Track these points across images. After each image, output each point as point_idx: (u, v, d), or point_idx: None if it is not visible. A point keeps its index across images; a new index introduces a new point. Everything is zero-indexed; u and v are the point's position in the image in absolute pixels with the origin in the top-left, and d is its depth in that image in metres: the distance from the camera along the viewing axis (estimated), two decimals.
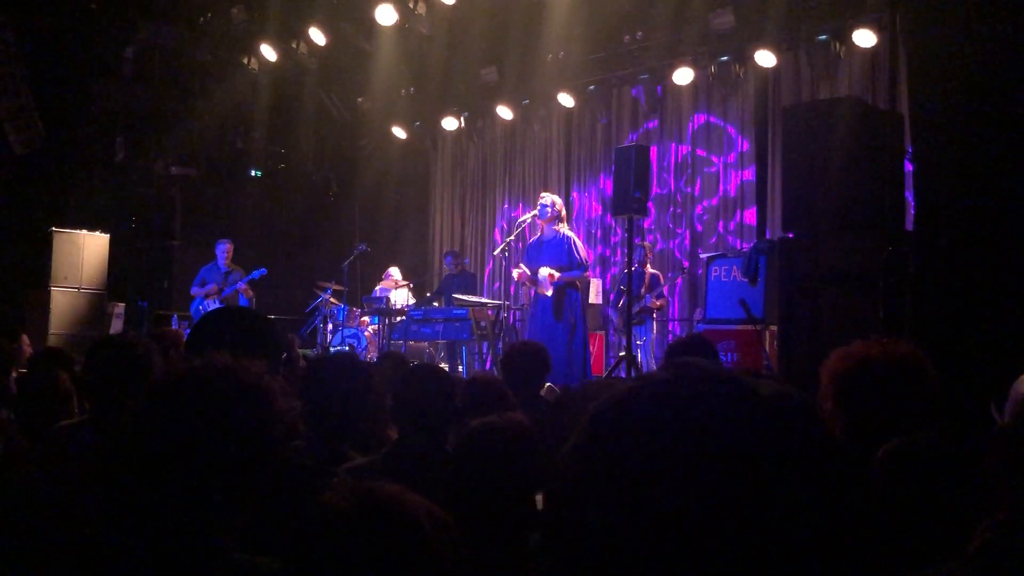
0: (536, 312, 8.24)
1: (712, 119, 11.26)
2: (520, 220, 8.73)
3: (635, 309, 8.79)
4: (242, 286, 10.51)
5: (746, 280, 8.00)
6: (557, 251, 8.06)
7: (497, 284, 12.53)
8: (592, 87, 11.54)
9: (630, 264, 8.14)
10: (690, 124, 11.44)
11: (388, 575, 1.15)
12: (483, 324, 8.90)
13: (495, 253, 9.64)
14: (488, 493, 1.94)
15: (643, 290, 9.68)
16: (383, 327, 10.26)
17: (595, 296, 10.85)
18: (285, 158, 13.90)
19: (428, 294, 11.67)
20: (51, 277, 10.42)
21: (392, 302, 10.69)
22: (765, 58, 9.85)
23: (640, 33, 10.62)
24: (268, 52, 11.77)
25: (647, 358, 9.62)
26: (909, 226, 5.97)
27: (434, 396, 2.85)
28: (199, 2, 11.69)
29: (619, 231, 11.70)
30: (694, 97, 11.30)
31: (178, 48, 12.08)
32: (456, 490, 2.01)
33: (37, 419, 3.02)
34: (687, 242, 11.36)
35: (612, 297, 10.41)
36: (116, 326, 10.94)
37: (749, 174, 10.83)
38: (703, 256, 9.75)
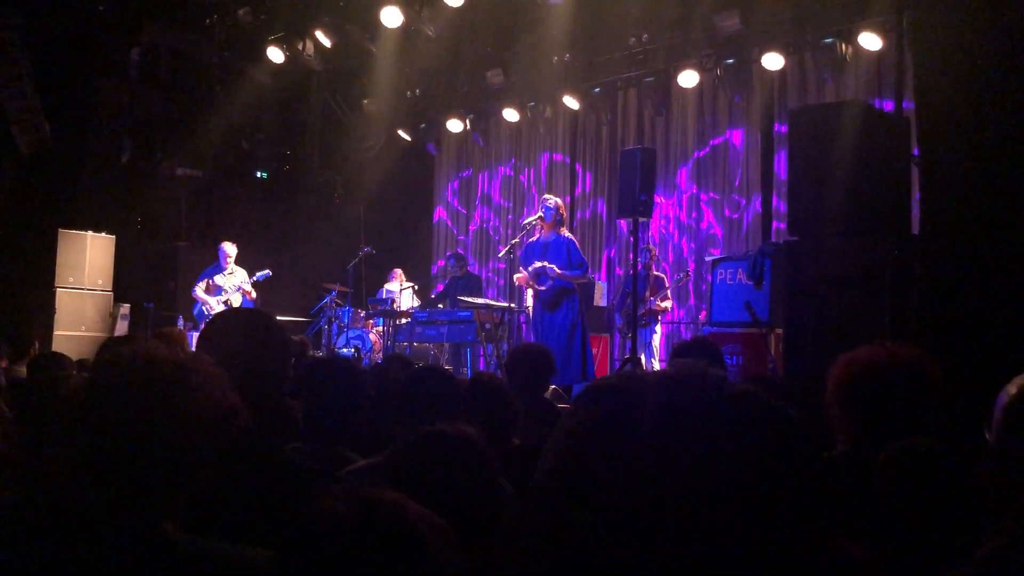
0: (538, 314, 8.26)
1: (717, 121, 11.25)
2: (525, 222, 8.72)
3: (640, 311, 8.78)
4: (245, 288, 10.52)
5: (751, 283, 7.99)
6: (557, 253, 8.09)
7: (502, 284, 12.52)
8: (597, 89, 11.54)
9: (635, 266, 8.13)
10: (696, 126, 11.43)
11: None
12: (488, 326, 8.89)
13: (500, 255, 9.64)
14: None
15: (648, 293, 9.67)
16: (388, 329, 10.27)
17: (600, 299, 10.84)
18: (291, 160, 13.92)
19: (432, 296, 11.68)
20: (57, 278, 10.45)
21: (397, 304, 10.70)
22: (771, 60, 9.85)
23: (646, 35, 10.62)
24: (274, 54, 11.79)
25: (652, 360, 9.61)
26: (915, 229, 5.96)
27: (438, 397, 2.86)
28: (206, 4, 11.71)
29: (624, 233, 11.70)
30: (700, 99, 11.29)
31: (185, 50, 12.11)
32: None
33: (38, 421, 3.02)
34: (692, 245, 11.35)
35: (617, 300, 10.40)
36: (121, 327, 10.97)
37: (755, 177, 10.82)
38: (708, 259, 9.74)
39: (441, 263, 13.58)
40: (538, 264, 8.00)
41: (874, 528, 1.98)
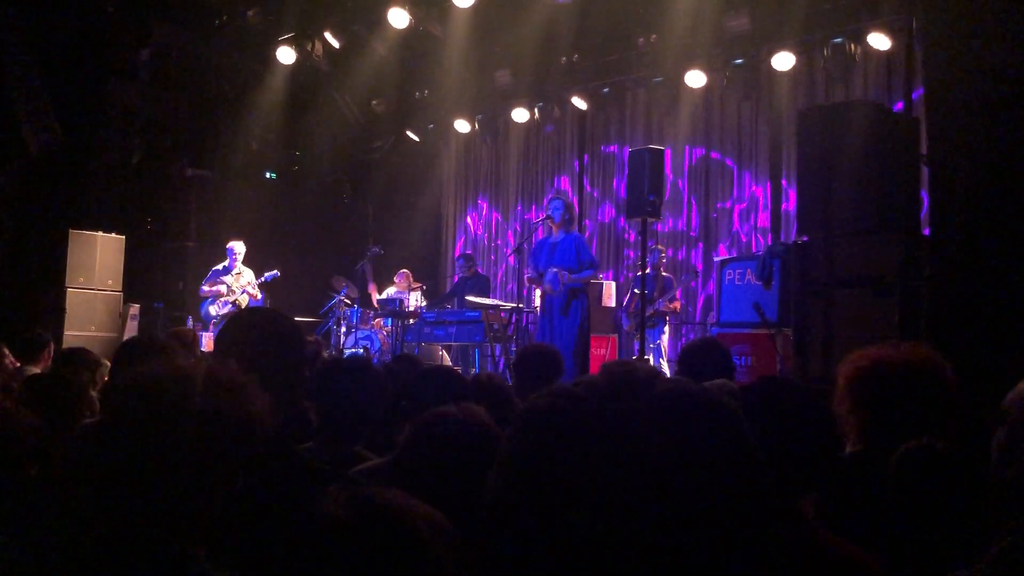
0: (546, 315, 8.26)
1: (726, 122, 11.23)
2: (534, 223, 8.74)
3: (648, 312, 8.78)
4: (250, 289, 10.54)
5: (760, 283, 7.97)
6: (566, 252, 8.09)
7: (511, 285, 12.53)
8: (606, 90, 11.55)
9: (644, 267, 8.13)
10: (704, 127, 11.42)
11: None
12: (496, 327, 8.90)
13: (508, 255, 9.65)
14: (433, 486, 1.87)
15: (656, 293, 9.67)
16: (396, 329, 10.28)
17: (608, 299, 10.84)
18: (300, 160, 13.94)
19: (440, 296, 11.70)
20: (67, 278, 10.48)
21: (405, 304, 10.71)
22: (780, 61, 9.83)
23: (654, 36, 10.61)
24: (283, 55, 11.82)
25: (660, 361, 9.60)
26: (924, 229, 5.95)
27: (447, 397, 2.86)
28: (215, 5, 11.74)
29: (632, 234, 11.69)
30: (708, 100, 11.28)
31: (194, 50, 12.14)
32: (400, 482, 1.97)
33: (61, 418, 3.04)
34: (701, 245, 11.34)
35: (625, 301, 10.40)
36: (131, 327, 11.00)
37: (763, 177, 10.81)
38: (717, 259, 9.73)
39: (449, 263, 13.59)
40: (552, 271, 8.00)
41: (884, 527, 1.99)
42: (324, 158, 13.92)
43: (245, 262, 10.85)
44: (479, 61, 11.62)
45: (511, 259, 9.13)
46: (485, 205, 13.79)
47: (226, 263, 10.75)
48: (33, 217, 10.73)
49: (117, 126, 11.77)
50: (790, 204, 10.15)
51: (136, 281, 11.41)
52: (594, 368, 8.99)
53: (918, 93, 5.71)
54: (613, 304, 10.82)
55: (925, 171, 6.00)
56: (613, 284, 11.23)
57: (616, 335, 10.41)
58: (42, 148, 10.15)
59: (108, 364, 4.13)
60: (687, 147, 11.56)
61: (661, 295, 9.79)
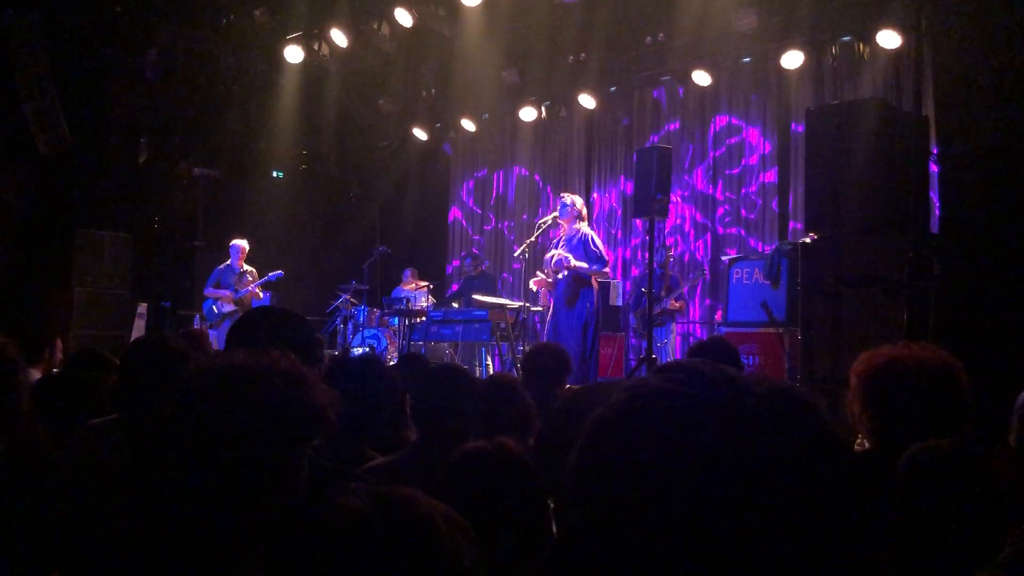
0: (554, 313, 8.25)
1: (734, 120, 11.21)
2: (541, 221, 8.72)
3: (655, 311, 8.76)
4: (254, 289, 10.53)
5: (768, 282, 7.96)
6: (574, 249, 8.07)
7: (517, 285, 12.52)
8: (613, 88, 11.53)
9: (651, 266, 8.11)
10: (712, 125, 11.40)
11: None
12: (503, 325, 8.89)
13: (515, 254, 9.65)
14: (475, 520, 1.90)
15: (662, 292, 9.65)
16: (403, 328, 10.28)
17: (615, 298, 10.83)
18: (307, 159, 13.96)
19: (447, 295, 11.70)
20: (74, 277, 10.50)
21: (412, 303, 10.72)
22: (788, 59, 9.80)
23: (662, 34, 10.58)
24: (290, 54, 11.83)
25: (667, 360, 9.58)
26: (934, 228, 5.92)
27: (455, 396, 2.85)
28: (222, 4, 11.75)
29: (640, 233, 11.68)
30: (716, 98, 11.26)
31: (201, 50, 12.15)
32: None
33: (72, 419, 3.04)
34: (708, 244, 11.32)
35: (632, 300, 10.39)
36: (139, 326, 11.02)
37: (771, 176, 10.79)
38: (725, 258, 9.71)
39: (456, 263, 13.59)
40: (556, 254, 7.99)
41: (897, 528, 1.97)
42: (331, 157, 13.94)
43: (251, 261, 10.85)
44: (486, 60, 11.60)
45: (517, 257, 9.12)
46: (492, 204, 13.78)
47: (229, 262, 10.74)
48: (41, 216, 10.76)
49: (124, 126, 11.80)
50: (798, 203, 10.12)
51: (143, 280, 11.43)
52: (601, 370, 8.98)
53: (927, 92, 5.68)
54: (620, 303, 10.81)
55: (934, 170, 5.97)
56: (620, 283, 11.22)
57: (624, 334, 10.40)
58: (50, 148, 10.18)
59: (113, 361, 4.13)
60: (694, 146, 11.54)
61: (668, 294, 9.77)
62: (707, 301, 11.20)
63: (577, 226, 8.19)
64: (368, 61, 12.20)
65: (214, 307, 10.59)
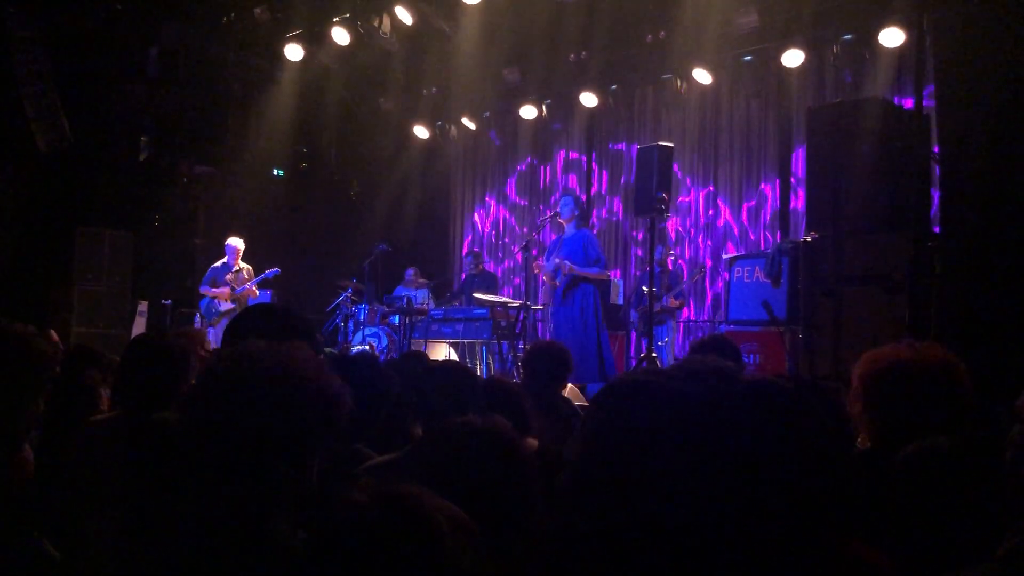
0: (556, 312, 8.25)
1: (736, 118, 11.20)
2: (542, 220, 8.73)
3: (656, 307, 8.76)
4: (251, 286, 10.53)
5: (769, 281, 7.95)
6: (573, 248, 8.07)
7: (517, 280, 12.52)
8: (614, 87, 11.52)
9: (651, 264, 8.11)
10: (713, 123, 11.39)
11: (408, 575, 1.16)
12: (503, 324, 8.89)
13: (516, 253, 9.65)
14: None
15: (662, 290, 9.65)
16: (404, 326, 10.28)
17: (616, 297, 10.83)
18: (307, 158, 13.96)
19: (448, 294, 11.70)
20: (75, 275, 10.51)
21: (413, 301, 10.72)
22: (790, 58, 9.79)
23: (663, 32, 10.57)
24: (291, 52, 11.82)
25: (668, 359, 9.58)
26: (935, 227, 5.92)
27: (458, 393, 2.85)
28: (223, 2, 11.75)
29: (641, 231, 11.67)
30: (717, 96, 11.25)
31: (202, 48, 12.15)
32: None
33: (69, 415, 3.05)
34: (709, 243, 11.31)
35: (633, 298, 10.38)
36: (139, 324, 11.02)
37: (772, 174, 10.78)
38: (725, 257, 9.71)
39: (457, 261, 13.59)
40: (556, 261, 8.00)
41: (894, 526, 1.97)
42: (332, 155, 13.93)
43: (251, 259, 10.84)
44: (487, 58, 11.59)
45: (519, 256, 9.12)
46: (493, 202, 13.78)
47: (225, 260, 10.74)
48: (42, 214, 10.77)
49: (125, 124, 11.80)
50: (799, 201, 10.12)
51: (144, 278, 11.44)
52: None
53: (929, 90, 5.67)
54: (621, 302, 10.81)
55: (935, 169, 5.97)
56: (620, 282, 11.22)
57: (624, 332, 10.40)
58: (51, 146, 10.18)
59: (112, 359, 4.13)
60: (696, 144, 11.53)
61: (668, 291, 9.77)
62: (708, 300, 11.20)
63: (577, 225, 8.19)
64: (369, 59, 12.20)
65: (212, 305, 10.58)
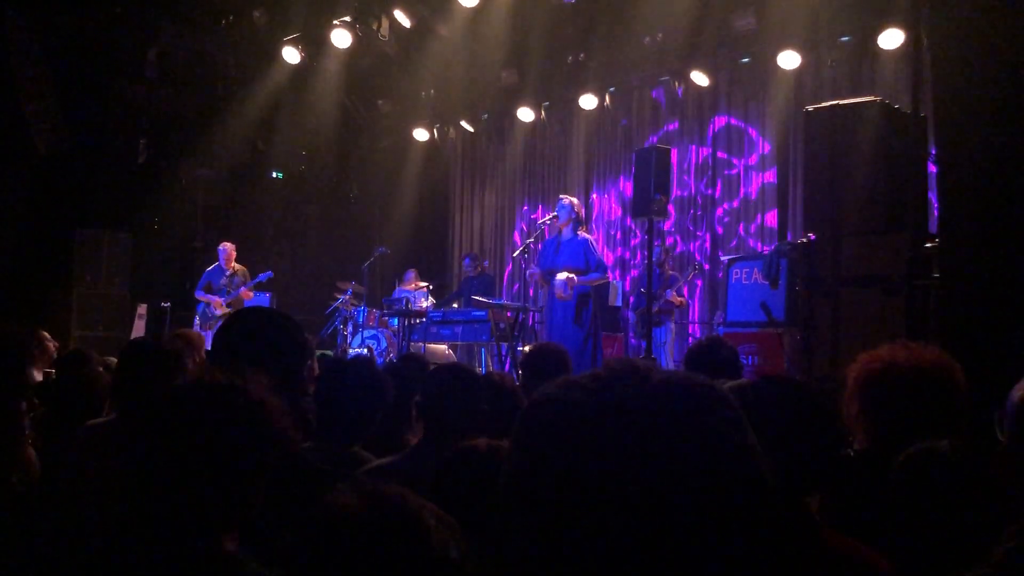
0: (551, 314, 8.24)
1: (733, 121, 11.21)
2: (540, 222, 8.72)
3: (654, 308, 8.76)
4: (244, 290, 10.53)
5: (767, 283, 7.95)
6: (574, 253, 8.06)
7: (516, 286, 12.54)
8: (612, 89, 11.53)
9: (650, 266, 8.11)
10: (711, 126, 11.40)
11: (395, 574, 1.17)
12: (502, 326, 8.89)
13: (515, 255, 9.64)
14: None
15: (660, 289, 9.65)
16: (403, 329, 10.29)
17: (614, 299, 10.83)
18: (306, 160, 13.97)
19: (447, 296, 11.70)
20: (74, 278, 10.51)
21: (412, 304, 10.72)
22: (787, 59, 9.80)
23: (661, 35, 10.59)
24: (289, 55, 11.84)
25: (666, 361, 9.58)
26: (933, 228, 5.92)
27: (460, 396, 2.84)
28: (222, 5, 11.76)
29: (639, 233, 11.68)
30: (715, 99, 11.26)
31: (201, 51, 12.17)
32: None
33: (67, 418, 3.05)
34: (707, 245, 11.32)
35: (632, 300, 10.38)
36: (138, 327, 11.02)
37: (770, 176, 10.79)
38: (724, 258, 9.70)
39: (456, 263, 13.60)
40: (561, 279, 7.96)
41: (890, 528, 1.98)
42: (330, 157, 13.94)
43: (250, 262, 10.85)
44: (485, 60, 11.61)
45: (518, 259, 9.12)
46: (491, 205, 13.79)
47: (218, 263, 10.74)
48: (41, 217, 10.78)
49: (124, 126, 11.81)
50: (797, 203, 10.12)
51: (143, 281, 11.44)
52: None
53: (926, 92, 5.68)
54: (620, 304, 10.81)
55: (933, 170, 5.97)
56: (619, 284, 11.22)
57: (622, 335, 10.40)
58: (50, 148, 10.19)
59: (110, 362, 4.13)
60: (693, 146, 11.55)
61: (665, 289, 9.77)
62: (706, 301, 11.20)
63: (575, 229, 8.18)
64: (367, 61, 12.22)
65: (207, 310, 10.60)
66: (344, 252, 13.37)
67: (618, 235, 12.26)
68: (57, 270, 10.60)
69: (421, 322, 9.95)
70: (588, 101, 11.58)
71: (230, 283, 10.54)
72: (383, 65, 12.31)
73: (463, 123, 12.81)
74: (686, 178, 11.53)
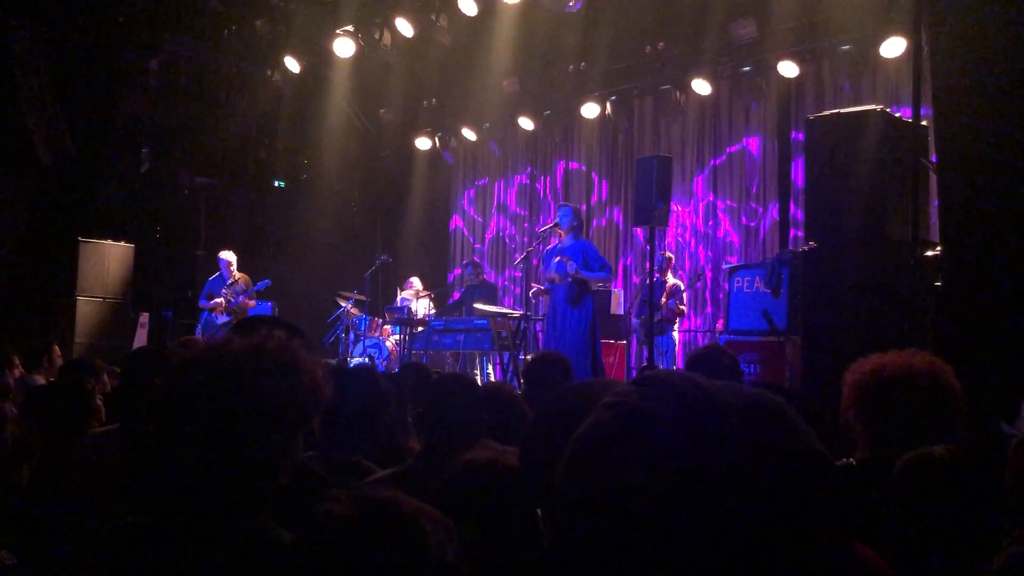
0: (549, 317, 8.24)
1: (734, 129, 11.23)
2: (541, 230, 8.73)
3: (656, 317, 8.76)
4: (244, 299, 10.55)
5: (768, 291, 7.96)
6: (573, 258, 8.06)
7: (518, 293, 12.54)
8: (613, 97, 11.55)
9: (651, 274, 8.11)
10: (712, 134, 11.42)
11: (397, 571, 1.18)
12: (504, 334, 8.89)
13: (516, 263, 9.65)
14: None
15: (663, 297, 9.65)
16: (404, 337, 10.29)
17: (616, 307, 10.83)
18: (308, 169, 13.99)
19: (449, 304, 11.70)
20: (77, 287, 10.51)
21: (413, 312, 10.73)
22: (787, 68, 9.82)
23: (661, 44, 10.61)
24: (291, 64, 11.87)
25: (669, 368, 9.57)
26: (933, 237, 5.93)
27: (462, 406, 2.84)
28: (223, 15, 11.80)
29: (640, 241, 11.69)
30: (716, 107, 11.28)
31: (203, 60, 12.20)
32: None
33: (68, 428, 3.06)
34: (709, 253, 11.32)
35: (635, 307, 10.39)
36: (141, 336, 11.03)
37: (771, 184, 10.79)
38: (725, 267, 9.71)
39: (457, 271, 13.60)
40: (559, 260, 7.95)
41: (891, 534, 1.98)
42: (332, 166, 13.96)
43: (252, 271, 10.86)
44: (487, 70, 11.64)
45: (518, 265, 9.13)
46: (493, 213, 13.80)
47: (219, 273, 10.77)
48: (43, 226, 10.78)
49: (126, 135, 11.84)
50: (799, 211, 10.13)
51: (145, 289, 11.44)
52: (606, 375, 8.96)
53: (926, 101, 5.69)
54: (622, 312, 10.81)
55: (934, 179, 5.98)
56: (621, 292, 11.22)
57: (625, 342, 10.40)
58: (52, 158, 10.21)
59: (115, 370, 4.14)
60: (695, 154, 11.56)
61: (668, 298, 9.77)
62: (708, 309, 11.20)
63: (576, 236, 8.19)
64: (369, 71, 12.24)
65: (209, 319, 10.63)
66: (346, 260, 13.38)
67: (619, 244, 12.26)
68: (59, 279, 10.60)
69: (423, 330, 9.96)
70: (590, 110, 11.61)
71: (231, 292, 10.57)
72: (385, 74, 12.34)
73: (465, 131, 12.83)
74: (687, 186, 11.54)
